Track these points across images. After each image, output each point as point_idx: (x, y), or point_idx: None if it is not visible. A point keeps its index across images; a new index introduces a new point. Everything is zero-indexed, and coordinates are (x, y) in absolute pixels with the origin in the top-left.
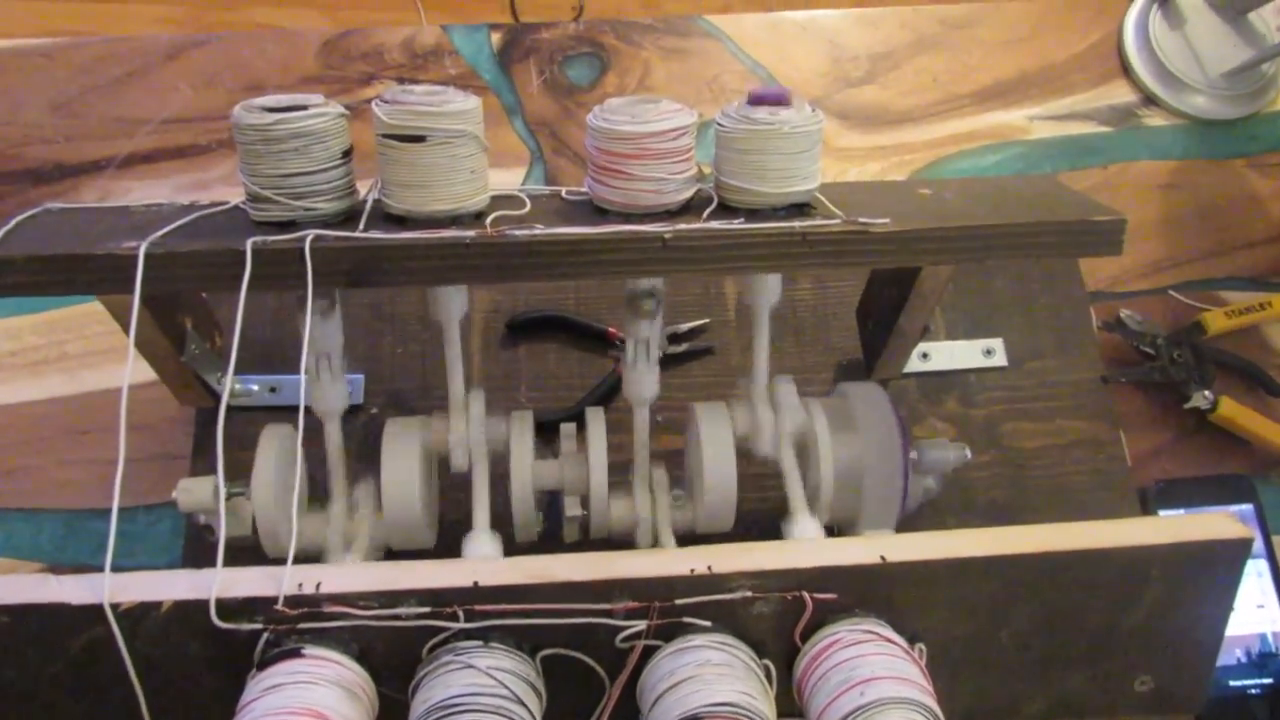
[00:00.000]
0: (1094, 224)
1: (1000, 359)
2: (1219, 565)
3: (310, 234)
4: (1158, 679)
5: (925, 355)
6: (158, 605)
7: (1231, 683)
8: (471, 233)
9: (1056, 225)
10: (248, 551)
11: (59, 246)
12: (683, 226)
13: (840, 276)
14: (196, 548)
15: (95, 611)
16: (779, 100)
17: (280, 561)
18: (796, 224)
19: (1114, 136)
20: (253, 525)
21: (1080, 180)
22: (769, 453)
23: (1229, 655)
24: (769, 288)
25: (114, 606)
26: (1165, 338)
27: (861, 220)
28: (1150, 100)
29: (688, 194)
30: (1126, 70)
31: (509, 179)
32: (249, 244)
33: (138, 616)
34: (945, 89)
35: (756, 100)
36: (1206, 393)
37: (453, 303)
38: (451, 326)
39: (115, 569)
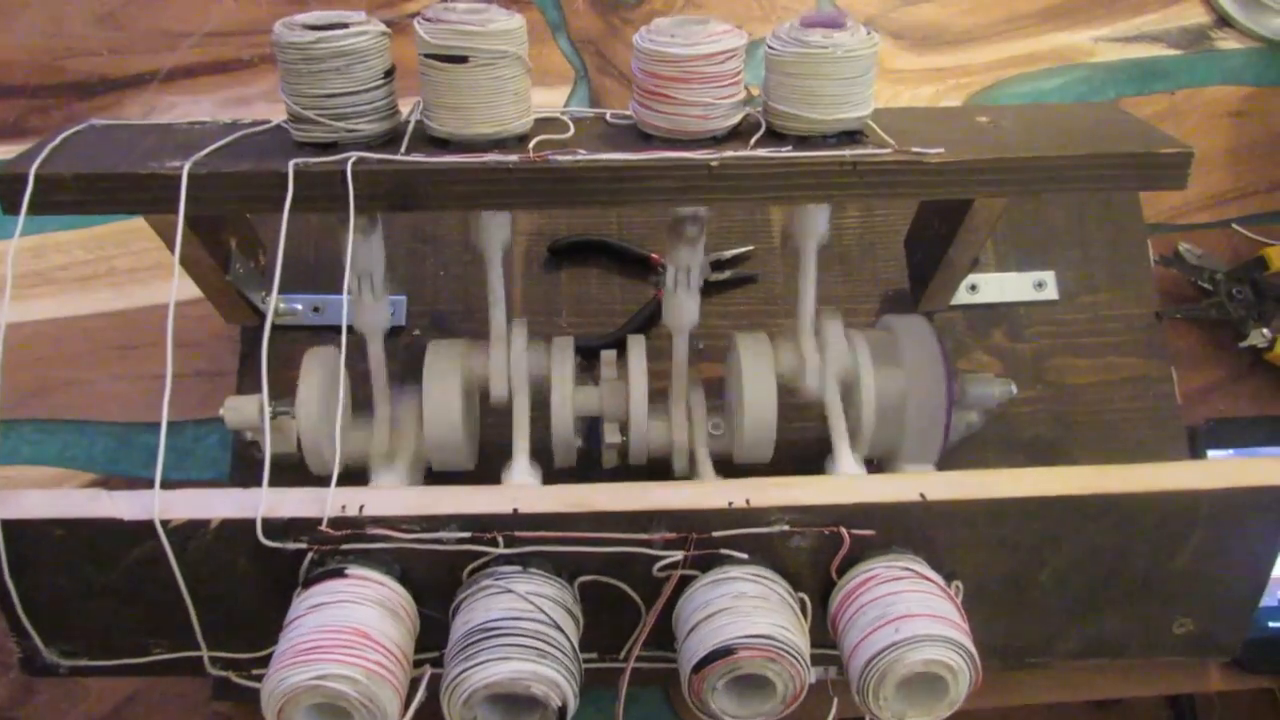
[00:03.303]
0: (1158, 156)
1: (1051, 292)
2: (1268, 512)
3: (352, 156)
4: (1197, 622)
5: (974, 287)
6: (206, 523)
7: (1271, 624)
8: (514, 157)
9: (1118, 157)
10: (293, 469)
11: (104, 165)
12: (729, 154)
13: (889, 204)
14: (244, 462)
15: (146, 527)
16: (833, 24)
17: (325, 478)
18: (846, 153)
19: (1184, 60)
20: (298, 443)
21: (1146, 106)
22: (814, 391)
23: (1270, 597)
24: (817, 224)
25: (164, 523)
26: (1225, 273)
27: (914, 150)
28: (1224, 21)
29: (735, 119)
30: None
31: (553, 98)
32: (291, 166)
33: (187, 533)
34: (1007, 7)
35: (809, 24)
36: (1265, 330)
37: (495, 231)
38: (493, 253)
39: (165, 482)
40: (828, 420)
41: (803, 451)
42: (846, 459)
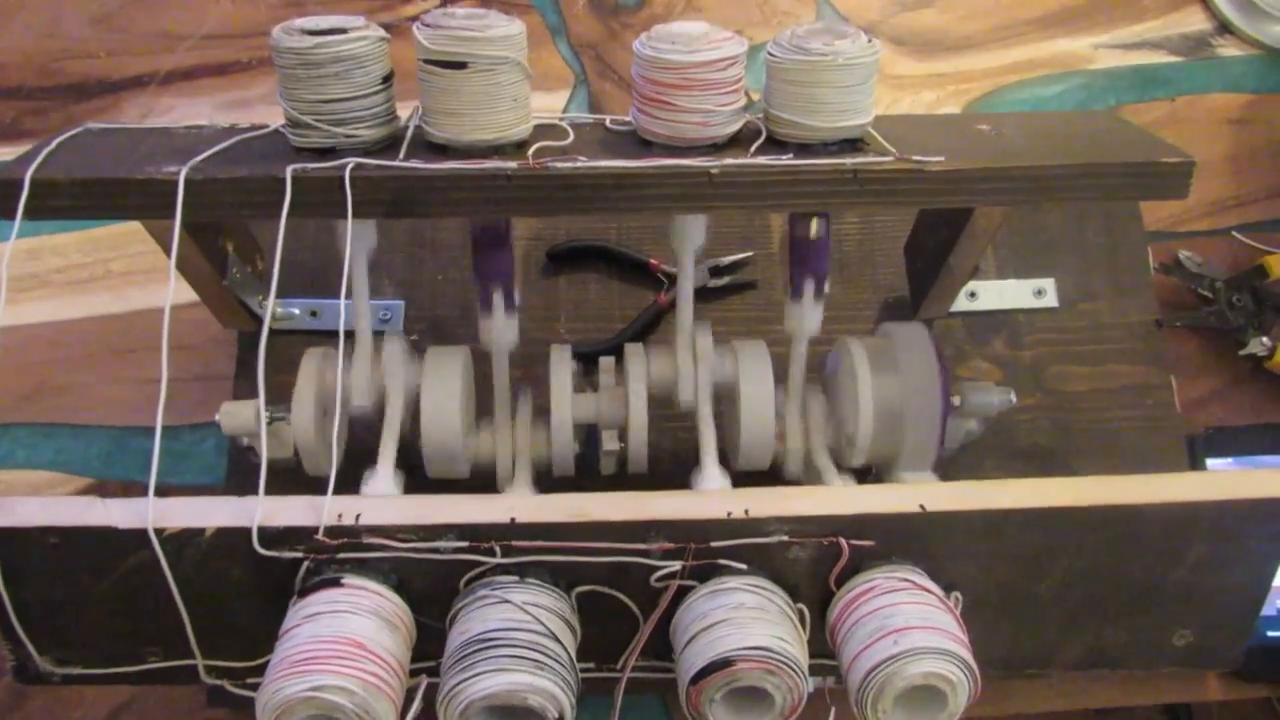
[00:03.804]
0: (1159, 166)
1: (1051, 299)
2: (1268, 523)
3: (350, 162)
4: (1197, 634)
5: (973, 294)
6: (201, 531)
7: (1270, 633)
8: (513, 164)
9: (1119, 167)
10: (290, 473)
11: (100, 170)
12: (730, 161)
13: (889, 211)
14: (240, 467)
15: (141, 536)
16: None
17: (322, 480)
18: (847, 161)
19: (1184, 67)
20: (294, 448)
21: (1146, 113)
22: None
23: (1269, 605)
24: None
25: (159, 532)
26: (1225, 281)
27: (915, 158)
28: (1225, 28)
29: (735, 126)
30: None
31: (552, 102)
32: (289, 171)
33: (182, 542)
34: (1008, 13)
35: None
36: (1264, 339)
37: None
38: None
39: (161, 486)
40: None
41: None
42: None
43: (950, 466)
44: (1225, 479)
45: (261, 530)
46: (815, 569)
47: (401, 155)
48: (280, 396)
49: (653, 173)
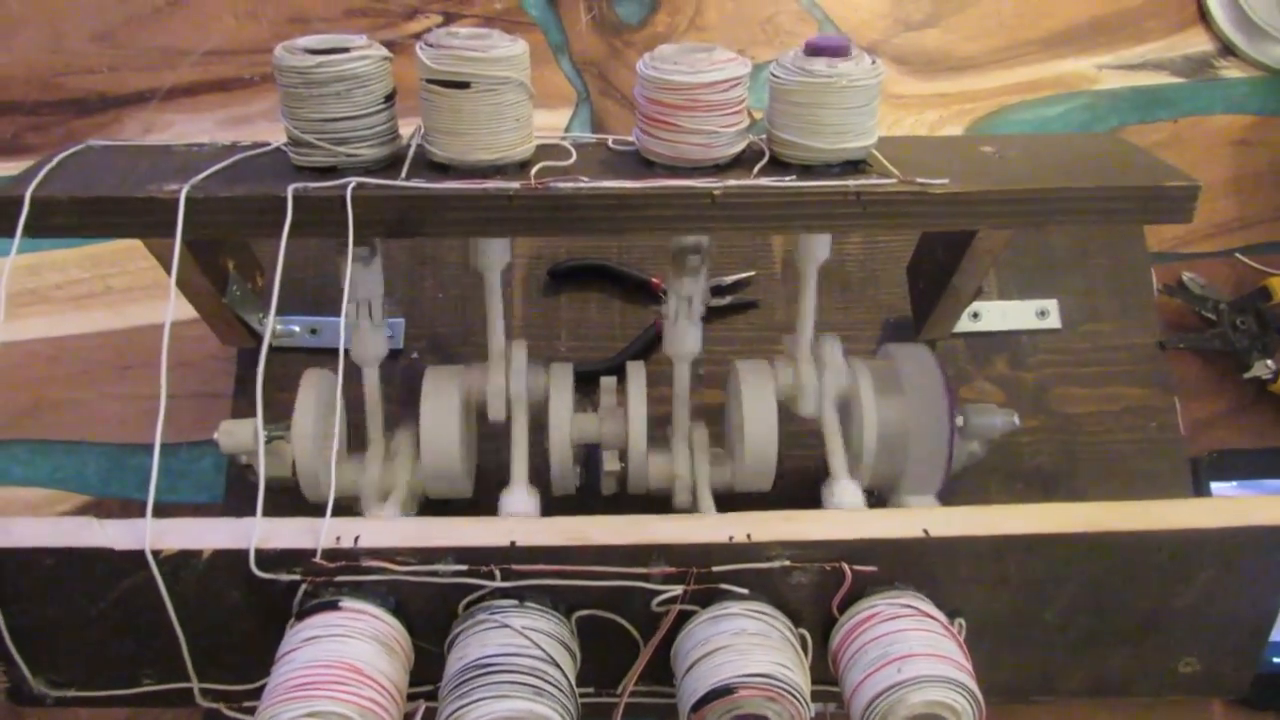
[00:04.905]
0: (1164, 190)
1: (1054, 320)
2: (1276, 550)
3: (352, 182)
4: (1203, 661)
5: (976, 315)
6: (198, 553)
7: (1277, 660)
8: (515, 184)
9: (1124, 190)
10: (288, 492)
11: (101, 188)
12: (732, 183)
13: (892, 233)
14: (238, 485)
15: (137, 557)
16: (837, 51)
17: (320, 503)
18: (850, 183)
19: (1187, 88)
20: (293, 468)
21: (1149, 134)
22: (811, 412)
23: (1276, 633)
24: (819, 247)
25: (155, 553)
26: (1229, 303)
27: (919, 180)
28: (1228, 50)
29: (738, 147)
30: (1204, 17)
31: (555, 120)
32: (290, 190)
33: (179, 563)
34: (1012, 34)
35: (813, 50)
36: (1269, 362)
37: (494, 253)
38: (493, 277)
39: (158, 504)
40: (826, 445)
41: (803, 479)
42: (845, 484)
43: (953, 489)
44: (1232, 505)
45: (259, 552)
46: (818, 594)
47: (403, 175)
48: (280, 415)
49: (655, 194)
